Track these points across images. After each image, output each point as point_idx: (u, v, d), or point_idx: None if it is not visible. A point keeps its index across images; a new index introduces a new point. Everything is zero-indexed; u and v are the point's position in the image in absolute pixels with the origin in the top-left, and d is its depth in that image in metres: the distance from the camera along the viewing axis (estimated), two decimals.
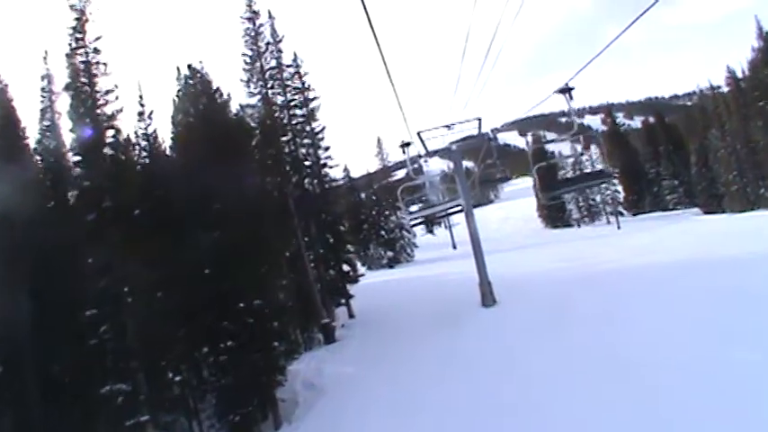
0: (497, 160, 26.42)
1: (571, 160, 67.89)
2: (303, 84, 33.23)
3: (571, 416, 12.85)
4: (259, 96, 31.44)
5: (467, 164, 33.57)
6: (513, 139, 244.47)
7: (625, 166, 77.52)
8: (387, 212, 67.15)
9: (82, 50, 18.16)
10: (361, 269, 48.12)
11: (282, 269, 25.70)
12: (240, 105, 30.04)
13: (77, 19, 18.18)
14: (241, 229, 19.83)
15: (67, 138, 20.01)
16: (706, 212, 62.65)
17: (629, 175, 77.05)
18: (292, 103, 32.62)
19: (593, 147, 65.23)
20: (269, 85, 31.72)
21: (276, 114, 31.52)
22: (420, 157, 27.73)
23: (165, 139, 24.59)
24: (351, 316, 31.92)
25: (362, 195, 69.57)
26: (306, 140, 32.95)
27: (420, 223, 30.29)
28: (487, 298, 25.30)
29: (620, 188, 77.07)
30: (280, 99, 32.21)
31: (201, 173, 19.64)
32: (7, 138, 19.13)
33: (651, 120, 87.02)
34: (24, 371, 17.16)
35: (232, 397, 19.14)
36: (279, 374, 20.25)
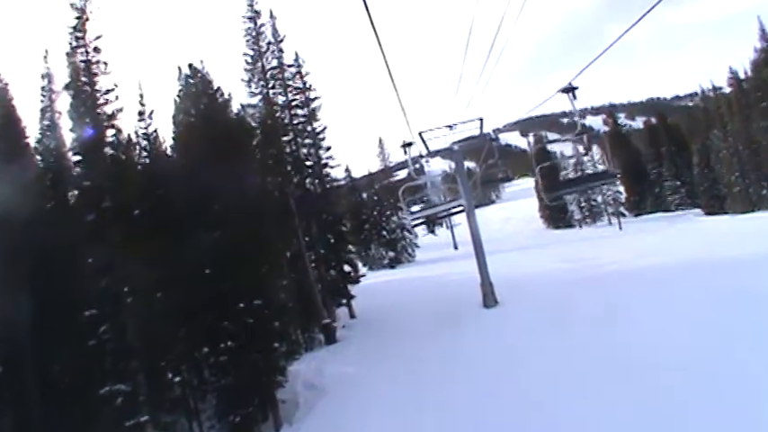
0: (499, 160, 26.35)
1: (573, 161, 67.69)
2: (304, 84, 33.20)
3: (573, 416, 12.90)
4: (260, 96, 31.44)
5: (468, 164, 33.48)
6: (515, 139, 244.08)
7: (627, 166, 77.20)
8: (388, 213, 67.04)
9: (82, 49, 18.09)
10: (363, 269, 48.14)
11: (283, 269, 25.64)
12: (241, 105, 30.10)
13: (78, 18, 18.11)
14: (242, 229, 19.76)
15: (68, 137, 19.97)
16: (708, 213, 62.45)
17: (631, 176, 76.80)
18: (294, 103, 32.57)
19: (594, 147, 65.04)
20: (270, 85, 31.70)
21: (277, 114, 31.50)
22: (422, 157, 27.68)
23: (167, 138, 24.58)
24: (352, 316, 31.85)
25: (364, 195, 69.45)
26: (307, 140, 32.90)
27: (421, 223, 30.23)
28: (489, 298, 25.26)
29: (621, 189, 76.85)
30: (281, 99, 32.17)
31: (202, 173, 19.57)
32: (8, 137, 19.10)
33: (653, 120, 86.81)
34: (24, 371, 17.13)
35: (232, 397, 19.08)
36: (279, 375, 20.18)
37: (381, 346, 23.89)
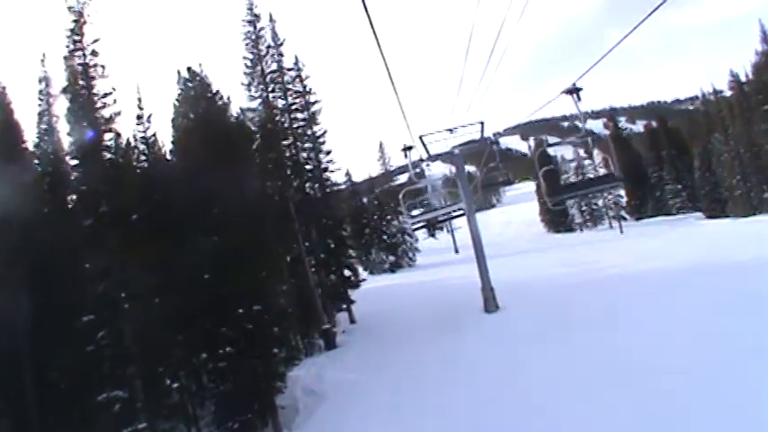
0: (500, 163, 26.24)
1: (574, 164, 67.69)
2: (304, 87, 33.09)
3: (574, 420, 12.89)
4: (260, 100, 31.35)
5: (469, 168, 33.37)
6: (516, 143, 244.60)
7: (628, 170, 77.02)
8: (389, 217, 66.87)
9: (80, 53, 17.99)
10: (363, 274, 47.92)
11: (283, 274, 25.50)
12: (241, 109, 30.03)
13: (75, 21, 18.00)
14: (241, 233, 19.62)
15: (66, 141, 19.88)
16: (709, 217, 62.33)
17: (632, 180, 76.58)
18: (293, 107, 32.45)
19: (595, 151, 65.07)
20: (270, 89, 31.59)
21: (277, 118, 31.41)
22: (422, 161, 27.58)
23: (166, 142, 24.50)
24: (352, 321, 31.70)
25: (364, 200, 69.38)
26: (307, 144, 32.79)
27: (422, 227, 30.07)
28: (490, 303, 25.13)
29: (622, 193, 76.75)
30: (281, 103, 32.07)
31: (201, 176, 19.45)
32: (6, 141, 18.98)
33: (654, 124, 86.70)
34: (23, 374, 16.97)
35: (231, 404, 18.91)
36: (278, 381, 20.02)
37: (382, 352, 23.73)
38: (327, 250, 31.72)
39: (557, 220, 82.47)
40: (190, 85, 23.25)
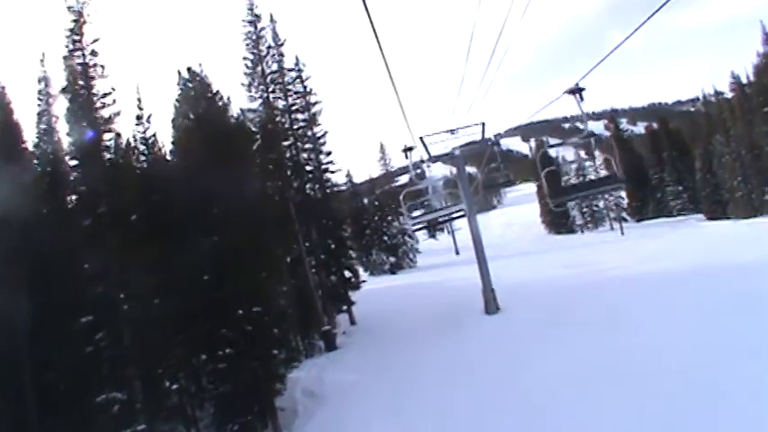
0: (501, 164, 26.17)
1: (575, 166, 67.54)
2: (305, 88, 32.97)
3: (574, 421, 12.97)
4: (260, 100, 31.29)
5: (470, 169, 33.29)
6: (516, 144, 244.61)
7: (629, 171, 76.81)
8: (389, 218, 66.83)
9: (79, 53, 17.94)
10: (363, 275, 47.84)
11: (283, 275, 25.40)
12: (241, 109, 29.94)
13: (75, 21, 17.95)
14: (241, 234, 19.56)
15: (65, 141, 19.79)
16: (710, 219, 62.23)
17: (633, 182, 76.48)
18: (294, 108, 32.35)
19: (596, 152, 64.80)
20: (270, 90, 31.52)
21: (277, 119, 31.32)
22: (423, 162, 27.50)
23: (166, 143, 24.40)
24: (352, 323, 31.61)
25: (365, 201, 69.36)
26: (307, 145, 32.69)
27: (422, 228, 30.02)
28: (491, 305, 25.06)
29: (623, 194, 76.65)
30: (281, 103, 31.98)
31: (201, 177, 19.38)
32: (6, 141, 18.89)
33: (654, 125, 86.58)
34: (21, 376, 16.87)
35: (231, 405, 18.84)
36: (278, 382, 19.97)
37: (382, 353, 23.65)
38: (328, 251, 31.64)
39: (557, 221, 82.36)
40: (190, 85, 23.19)
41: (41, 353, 16.88)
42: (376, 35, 7.22)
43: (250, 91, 31.22)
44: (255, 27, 31.49)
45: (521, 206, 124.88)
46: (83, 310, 16.60)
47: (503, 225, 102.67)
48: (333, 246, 32.13)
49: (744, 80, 56.20)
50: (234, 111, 26.95)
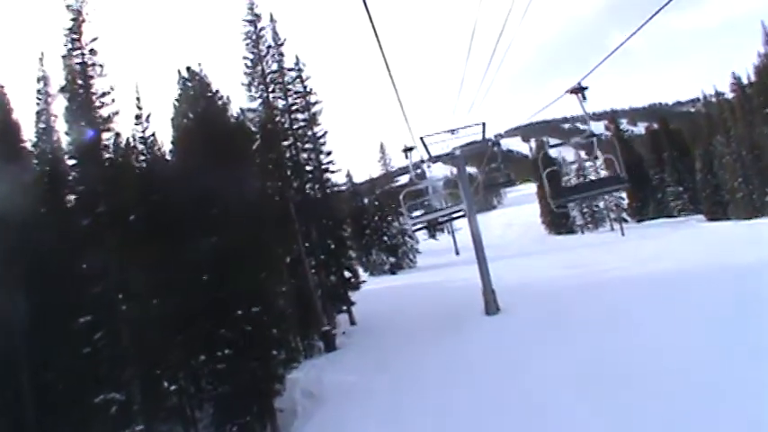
0: (502, 164, 26.09)
1: (575, 166, 67.44)
2: (305, 88, 32.92)
3: (574, 422, 12.95)
4: (260, 100, 31.24)
5: (470, 169, 33.21)
6: (516, 144, 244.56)
7: (629, 172, 76.16)
8: (389, 218, 66.77)
9: (78, 52, 17.88)
10: (363, 275, 47.75)
11: (283, 275, 25.32)
12: (241, 109, 29.89)
13: (74, 20, 17.93)
14: (240, 234, 19.50)
15: (64, 140, 19.73)
16: (710, 219, 62.16)
17: (633, 182, 76.11)
18: (294, 108, 32.30)
19: (597, 153, 64.65)
20: (270, 89, 31.47)
21: (277, 118, 31.28)
22: (423, 162, 27.42)
23: (166, 142, 24.31)
24: (352, 323, 31.53)
25: (365, 201, 69.29)
26: (307, 145, 32.63)
27: (422, 228, 29.92)
28: (491, 306, 24.97)
29: (624, 195, 76.56)
30: (281, 103, 31.93)
31: (200, 177, 19.29)
32: (5, 141, 18.81)
33: (655, 126, 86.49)
34: (19, 376, 16.79)
35: (230, 406, 18.77)
36: (277, 383, 19.90)
37: (382, 354, 23.55)
38: (327, 251, 31.57)
39: (558, 221, 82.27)
40: (189, 84, 23.13)
41: (39, 353, 16.81)
42: (376, 34, 7.17)
43: (250, 90, 31.19)
44: (255, 26, 31.44)
45: (521, 206, 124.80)
46: (81, 311, 16.55)
47: (503, 225, 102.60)
48: (333, 246, 32.06)
49: (744, 81, 56.19)
50: (234, 110, 26.94)
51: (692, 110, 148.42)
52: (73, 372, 16.78)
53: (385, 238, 65.89)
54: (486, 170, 29.89)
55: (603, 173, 61.47)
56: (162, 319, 17.34)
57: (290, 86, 32.28)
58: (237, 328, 19.03)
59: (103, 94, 18.04)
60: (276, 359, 20.18)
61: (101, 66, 18.08)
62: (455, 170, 28.13)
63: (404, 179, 79.71)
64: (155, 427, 17.39)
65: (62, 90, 18.37)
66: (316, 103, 33.08)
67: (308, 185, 32.06)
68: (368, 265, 63.67)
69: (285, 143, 31.34)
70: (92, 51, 18.05)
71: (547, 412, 13.78)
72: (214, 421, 19.34)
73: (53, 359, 17.00)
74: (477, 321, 24.17)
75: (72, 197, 19.04)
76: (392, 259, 65.80)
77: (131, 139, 22.33)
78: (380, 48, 7.72)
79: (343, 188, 51.79)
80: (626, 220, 73.13)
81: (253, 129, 29.50)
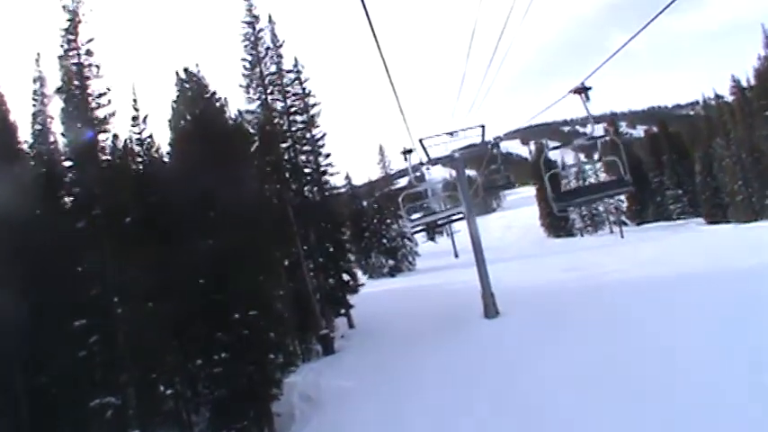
0: (502, 166, 25.95)
1: (574, 169, 67.32)
2: (303, 90, 32.77)
3: (573, 426, 12.88)
4: (258, 102, 31.13)
5: (469, 172, 33.10)
6: (516, 147, 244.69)
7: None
8: (388, 221, 66.72)
9: (74, 52, 17.76)
10: (362, 278, 47.65)
11: (281, 278, 25.21)
12: (239, 111, 29.78)
13: (70, 20, 17.80)
14: (238, 237, 19.37)
15: (61, 142, 19.62)
16: (710, 222, 62.17)
17: (634, 185, 76.34)
18: (292, 110, 32.17)
19: (595, 155, 64.53)
20: (269, 91, 31.37)
21: (276, 120, 31.16)
22: (422, 164, 27.30)
23: (163, 144, 24.18)
24: (350, 326, 31.37)
25: (364, 203, 69.21)
26: (306, 147, 32.49)
27: (421, 230, 29.83)
28: (490, 309, 24.81)
29: (623, 198, 76.56)
30: (279, 105, 31.82)
31: (197, 179, 19.18)
32: (2, 142, 18.70)
33: (654, 129, 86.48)
34: (14, 380, 16.64)
35: (226, 410, 18.63)
36: (275, 387, 19.79)
37: (380, 357, 23.42)
38: (326, 254, 31.43)
39: (557, 224, 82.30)
40: (187, 86, 23.01)
41: (34, 356, 16.67)
42: (375, 37, 7.14)
43: (248, 92, 31.08)
44: (254, 28, 31.36)
45: (520, 209, 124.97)
46: (77, 313, 16.39)
47: (502, 228, 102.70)
48: (331, 249, 31.92)
49: (744, 83, 56.20)
50: (232, 112, 26.82)
51: (692, 113, 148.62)
52: (68, 375, 16.65)
53: (384, 240, 65.85)
54: (485, 172, 29.75)
55: (603, 176, 61.49)
56: (158, 322, 17.21)
57: (288, 88, 32.17)
58: (235, 331, 18.91)
59: (100, 96, 17.91)
60: (274, 363, 20.08)
61: (97, 67, 17.96)
62: (454, 173, 27.99)
63: (403, 182, 79.70)
64: (151, 431, 17.22)
65: (58, 91, 18.24)
66: (314, 105, 32.96)
67: (306, 188, 31.93)
68: (367, 267, 63.60)
69: (284, 145, 31.20)
70: (88, 52, 17.92)
71: (545, 414, 13.76)
72: (210, 425, 19.22)
73: (48, 362, 16.86)
74: (476, 324, 24.03)
75: (68, 199, 18.91)
76: (391, 262, 65.77)
77: (128, 141, 22.19)
78: (379, 49, 7.68)
79: (342, 191, 51.66)
80: (625, 223, 73.12)
81: (251, 131, 29.37)
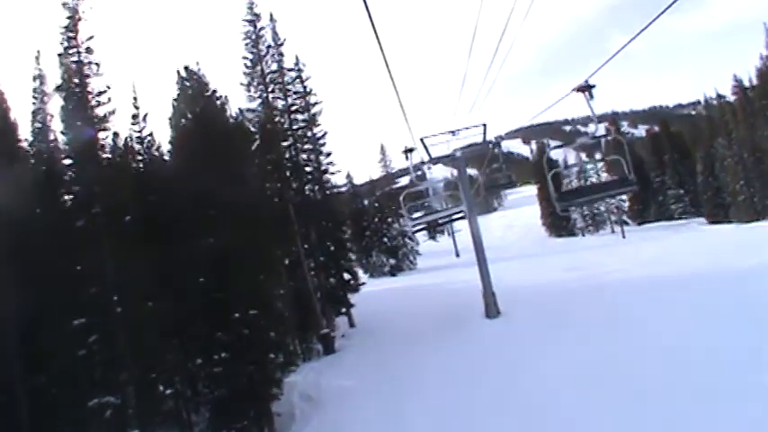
0: (503, 165, 25.87)
1: (576, 169, 67.29)
2: (305, 88, 32.70)
3: (575, 426, 12.84)
4: (259, 101, 31.06)
5: (470, 171, 33.02)
6: (517, 146, 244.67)
7: None
8: (389, 220, 66.67)
9: (74, 50, 17.70)
10: (363, 277, 47.60)
11: (281, 277, 25.15)
12: (240, 109, 29.70)
13: (70, 18, 17.75)
14: (239, 235, 19.31)
15: (61, 140, 19.53)
16: (712, 222, 62.10)
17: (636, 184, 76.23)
18: (293, 108, 32.10)
19: (597, 155, 64.47)
20: (270, 90, 31.29)
21: (277, 119, 31.09)
22: (423, 163, 27.23)
23: (163, 142, 24.11)
24: (351, 325, 31.30)
25: (365, 202, 69.17)
26: (307, 146, 32.41)
27: (422, 229, 29.82)
28: (491, 309, 24.72)
29: (624, 197, 76.49)
30: (281, 103, 31.74)
31: (198, 177, 19.12)
32: (2, 140, 18.63)
33: (656, 128, 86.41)
34: (12, 379, 16.59)
35: (227, 410, 18.58)
36: (275, 387, 19.74)
37: (381, 357, 23.36)
38: (327, 253, 31.36)
39: (558, 224, 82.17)
40: (187, 84, 22.95)
41: (33, 355, 16.62)
42: (377, 35, 7.13)
43: (249, 91, 31.00)
44: (255, 26, 31.27)
45: (521, 208, 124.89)
46: (76, 312, 16.33)
47: (503, 227, 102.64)
48: (332, 247, 31.85)
49: (746, 83, 56.13)
50: (233, 110, 26.76)
51: (693, 113, 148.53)
52: (68, 374, 16.59)
53: (385, 239, 65.78)
54: (487, 171, 29.67)
55: (605, 176, 61.39)
56: (158, 321, 17.16)
57: (289, 87, 32.10)
58: (235, 330, 18.86)
59: (100, 93, 17.85)
60: (274, 362, 20.03)
61: (97, 64, 17.91)
62: (455, 172, 27.92)
63: (404, 181, 79.69)
64: (150, 431, 17.16)
65: (58, 89, 18.19)
66: (315, 103, 32.88)
67: (307, 187, 31.85)
68: (368, 266, 63.56)
69: (284, 144, 31.13)
70: (88, 50, 17.86)
71: (547, 413, 13.73)
72: (210, 425, 19.15)
73: (48, 361, 16.80)
74: (477, 324, 23.96)
75: (68, 197, 18.84)
76: (392, 261, 65.70)
77: (128, 139, 22.10)
78: (381, 48, 7.69)
79: (343, 189, 51.66)
80: (627, 223, 73.08)
81: (252, 129, 29.31)
